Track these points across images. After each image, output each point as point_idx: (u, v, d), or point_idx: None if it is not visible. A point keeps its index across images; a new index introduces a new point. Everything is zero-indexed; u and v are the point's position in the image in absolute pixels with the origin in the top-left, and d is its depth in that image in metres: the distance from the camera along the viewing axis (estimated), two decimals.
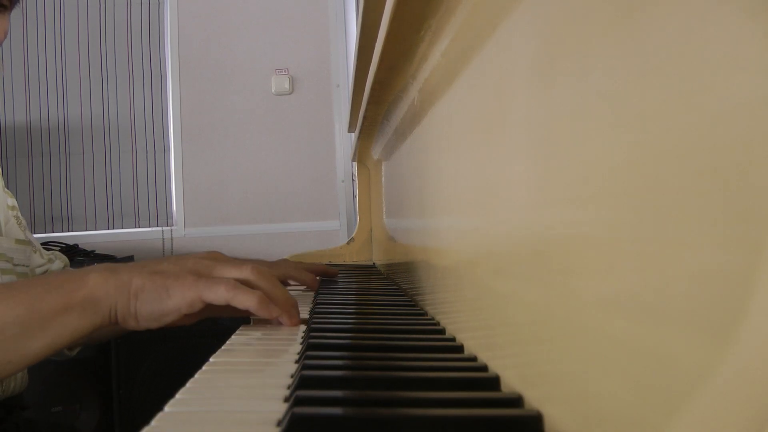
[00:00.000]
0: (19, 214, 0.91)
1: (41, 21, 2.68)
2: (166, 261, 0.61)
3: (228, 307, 0.60)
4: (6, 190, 0.90)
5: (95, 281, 0.56)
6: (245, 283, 0.59)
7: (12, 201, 0.90)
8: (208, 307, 0.58)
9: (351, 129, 1.57)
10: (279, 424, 0.34)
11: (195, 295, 0.56)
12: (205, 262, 0.61)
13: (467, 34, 0.52)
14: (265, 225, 2.65)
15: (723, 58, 0.19)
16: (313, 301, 0.81)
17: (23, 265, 0.86)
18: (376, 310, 0.79)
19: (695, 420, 0.19)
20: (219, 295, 0.57)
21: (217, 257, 0.65)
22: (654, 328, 0.23)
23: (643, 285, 0.23)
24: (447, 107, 0.62)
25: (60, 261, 0.96)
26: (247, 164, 2.68)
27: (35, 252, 0.91)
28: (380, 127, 1.19)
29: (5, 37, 0.76)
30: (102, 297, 0.56)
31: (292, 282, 0.98)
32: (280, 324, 0.63)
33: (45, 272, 0.92)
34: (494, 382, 0.41)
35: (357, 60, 1.07)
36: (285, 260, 0.99)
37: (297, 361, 0.49)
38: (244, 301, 0.58)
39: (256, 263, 0.68)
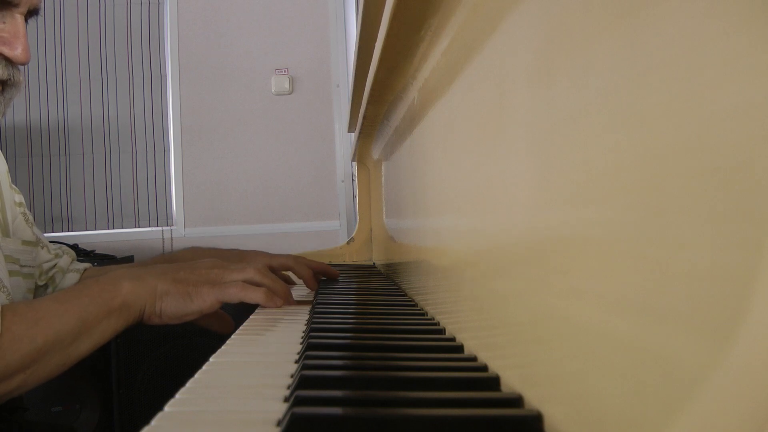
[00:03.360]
0: (27, 211, 0.91)
1: (41, 21, 2.68)
2: (182, 270, 0.72)
3: (216, 321, 0.78)
4: (13, 186, 0.90)
5: (127, 289, 0.67)
6: (251, 281, 0.73)
7: (19, 197, 0.90)
8: (207, 316, 0.72)
9: (351, 129, 1.57)
10: (279, 424, 0.34)
11: (213, 299, 0.70)
12: (216, 271, 0.73)
13: (467, 34, 0.52)
14: (265, 225, 2.65)
15: (723, 58, 0.19)
16: (313, 301, 0.81)
17: (29, 266, 0.86)
18: (376, 310, 0.79)
19: (695, 420, 0.19)
20: (232, 295, 0.70)
21: (220, 264, 0.76)
22: (654, 328, 0.23)
23: (643, 285, 0.23)
24: (447, 107, 0.62)
25: (68, 256, 0.95)
26: (247, 164, 2.68)
27: (42, 248, 0.91)
28: (380, 127, 1.19)
29: (29, 57, 0.75)
30: (133, 302, 0.67)
31: (296, 280, 1.03)
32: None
33: (53, 267, 0.92)
34: (494, 382, 0.41)
35: (357, 60, 1.07)
36: (289, 255, 1.01)
37: (297, 361, 0.49)
38: (254, 297, 0.71)
39: (257, 259, 0.87)
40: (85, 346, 0.64)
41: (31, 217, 0.91)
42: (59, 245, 0.97)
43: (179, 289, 0.69)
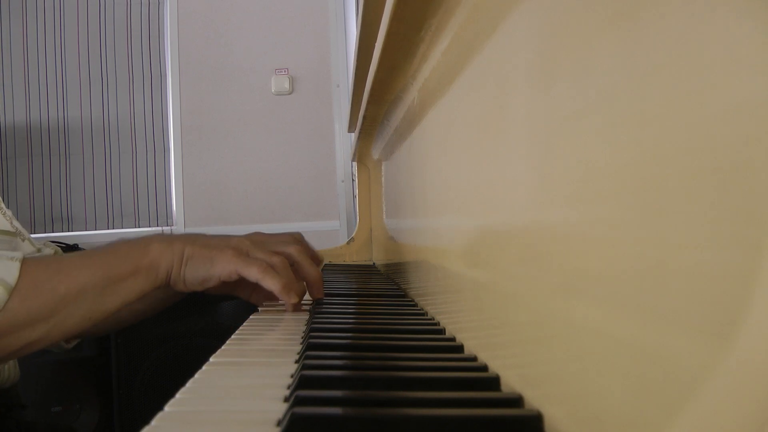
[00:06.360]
0: (2, 205, 0.90)
1: (41, 21, 2.68)
2: (214, 238, 0.71)
3: (254, 292, 0.75)
4: None
5: (156, 249, 0.67)
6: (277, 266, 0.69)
7: None
8: (241, 284, 0.70)
9: (351, 129, 1.57)
10: (279, 424, 0.34)
11: (233, 268, 0.67)
12: (246, 242, 0.70)
13: (467, 34, 0.52)
14: (265, 225, 2.65)
15: (723, 58, 0.19)
16: (313, 301, 0.81)
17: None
18: (376, 310, 0.79)
19: (695, 420, 0.19)
20: (252, 273, 0.67)
21: (256, 240, 0.73)
22: (654, 328, 0.23)
23: (643, 285, 0.23)
24: (447, 107, 0.62)
25: (50, 249, 0.95)
26: (247, 164, 2.68)
27: (24, 240, 0.90)
28: (380, 127, 1.19)
29: None
30: (162, 263, 0.66)
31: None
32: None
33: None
34: (494, 382, 0.41)
35: (357, 60, 1.07)
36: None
37: (297, 361, 0.49)
38: (271, 284, 0.67)
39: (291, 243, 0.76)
40: (111, 302, 0.63)
41: (9, 213, 0.91)
42: (44, 242, 0.96)
43: (204, 253, 0.68)
